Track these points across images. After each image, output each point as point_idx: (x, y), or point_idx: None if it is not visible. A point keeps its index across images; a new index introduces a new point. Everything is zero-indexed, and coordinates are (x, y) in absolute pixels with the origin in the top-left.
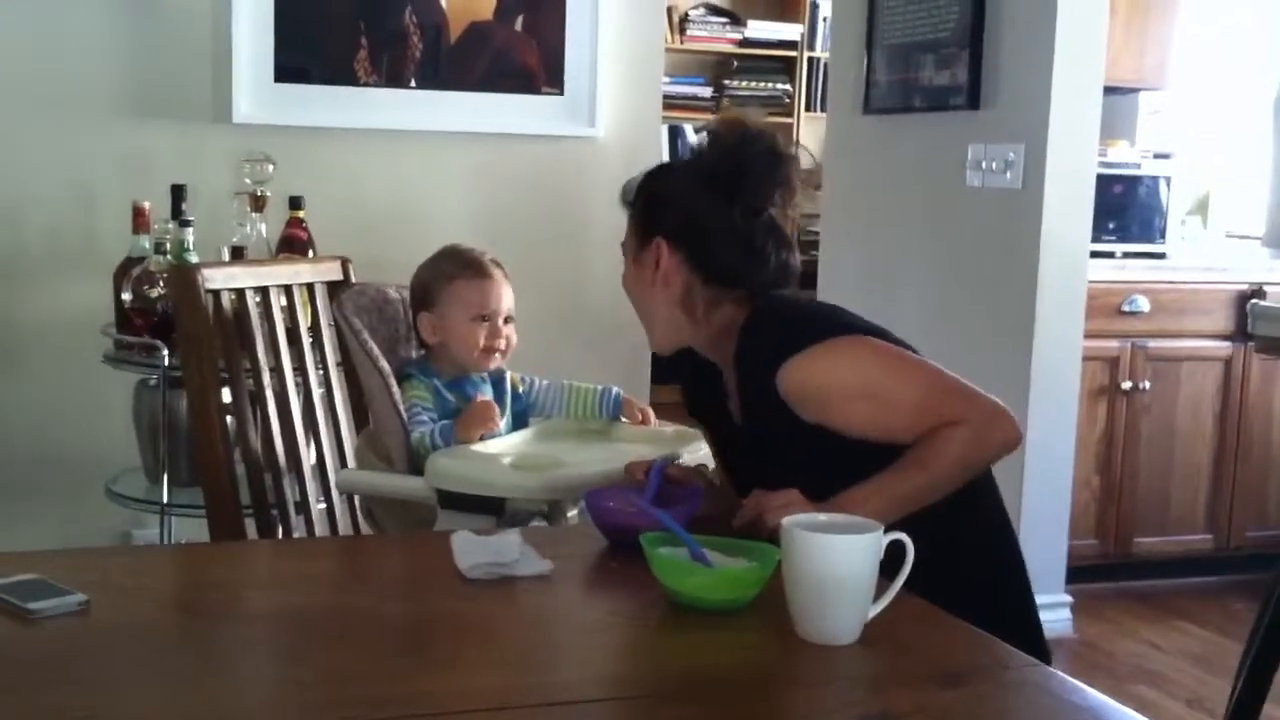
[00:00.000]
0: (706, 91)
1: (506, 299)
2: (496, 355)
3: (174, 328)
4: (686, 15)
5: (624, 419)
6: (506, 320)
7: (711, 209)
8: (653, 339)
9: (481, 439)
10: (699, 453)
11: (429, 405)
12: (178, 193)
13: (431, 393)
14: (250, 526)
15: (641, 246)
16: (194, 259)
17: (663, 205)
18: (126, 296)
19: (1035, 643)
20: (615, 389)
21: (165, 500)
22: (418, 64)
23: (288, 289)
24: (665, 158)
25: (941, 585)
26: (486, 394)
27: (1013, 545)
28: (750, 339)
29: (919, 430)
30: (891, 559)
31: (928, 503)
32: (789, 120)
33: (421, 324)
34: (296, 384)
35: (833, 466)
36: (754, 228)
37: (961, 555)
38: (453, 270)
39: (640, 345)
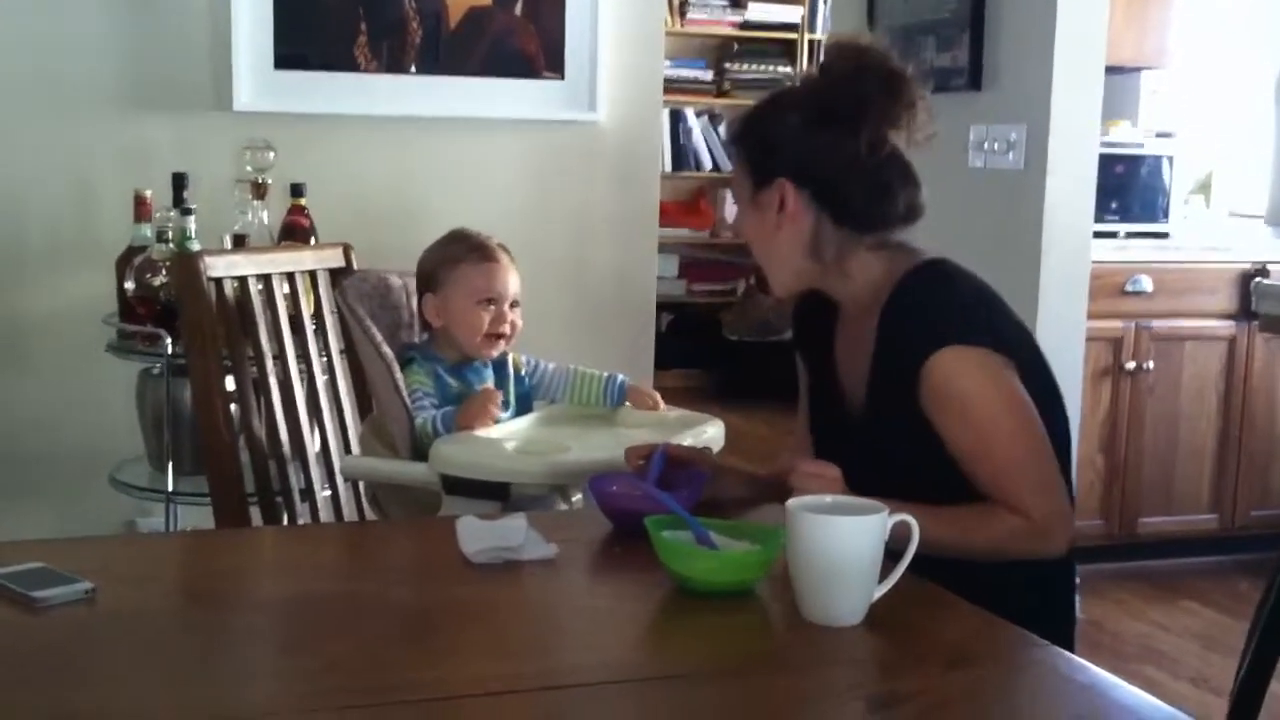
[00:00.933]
0: (707, 75)
1: (512, 284)
2: (500, 341)
3: (177, 316)
4: None
5: (630, 405)
6: (512, 305)
7: (834, 146)
8: (774, 282)
9: None
10: (703, 436)
11: (430, 391)
12: (179, 181)
13: (433, 378)
14: (255, 514)
15: (760, 187)
16: (196, 247)
17: (781, 144)
18: (129, 285)
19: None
20: (621, 377)
21: (170, 489)
22: (417, 50)
23: (290, 276)
24: (666, 142)
25: (986, 582)
26: (488, 379)
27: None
28: (915, 300)
29: (989, 489)
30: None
31: (945, 556)
32: None
33: (426, 306)
34: (300, 371)
35: (908, 457)
36: (880, 162)
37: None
38: (459, 253)
39: (643, 330)
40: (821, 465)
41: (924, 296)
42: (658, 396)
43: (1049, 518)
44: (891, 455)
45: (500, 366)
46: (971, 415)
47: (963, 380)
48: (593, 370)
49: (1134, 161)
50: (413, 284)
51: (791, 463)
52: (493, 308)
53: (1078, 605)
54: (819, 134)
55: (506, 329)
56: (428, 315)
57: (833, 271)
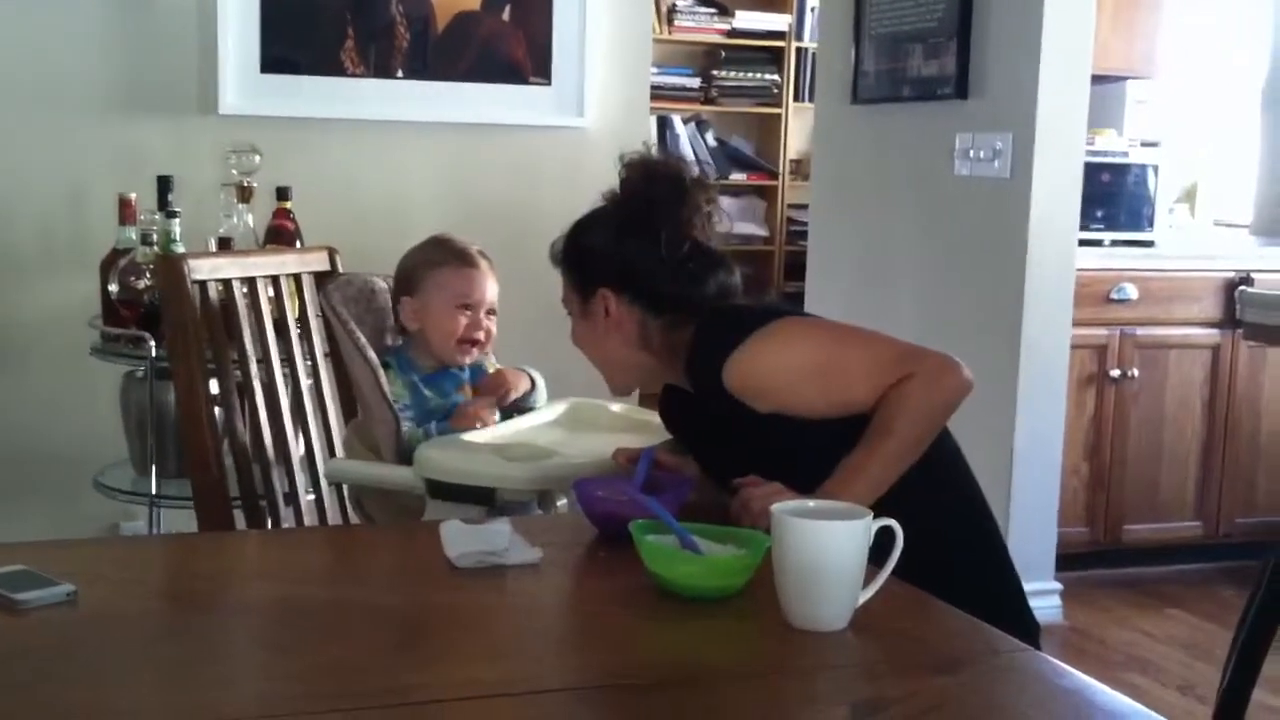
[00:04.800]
0: (695, 82)
1: (490, 290)
2: (474, 348)
3: (161, 319)
4: (674, 6)
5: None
6: (489, 313)
7: (638, 250)
8: (614, 384)
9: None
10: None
11: (408, 404)
12: (164, 184)
13: (409, 389)
14: (239, 518)
15: (586, 300)
16: (181, 250)
17: (593, 258)
18: (113, 288)
19: (1020, 617)
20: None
21: (154, 492)
22: (405, 54)
23: (275, 279)
24: (654, 147)
25: (919, 568)
26: (465, 385)
27: (983, 517)
28: (695, 349)
29: (875, 393)
30: (878, 546)
31: (909, 463)
32: (777, 111)
33: (403, 309)
34: (284, 375)
35: (808, 452)
36: (682, 257)
37: (933, 536)
38: (439, 257)
39: None
40: (765, 487)
41: (702, 331)
42: (503, 379)
43: (933, 362)
44: (770, 466)
45: (477, 374)
46: (789, 379)
47: (759, 369)
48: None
49: (1119, 170)
50: None
51: (740, 506)
52: (469, 313)
53: (1060, 612)
54: (624, 244)
55: (481, 335)
56: (404, 319)
57: (664, 358)
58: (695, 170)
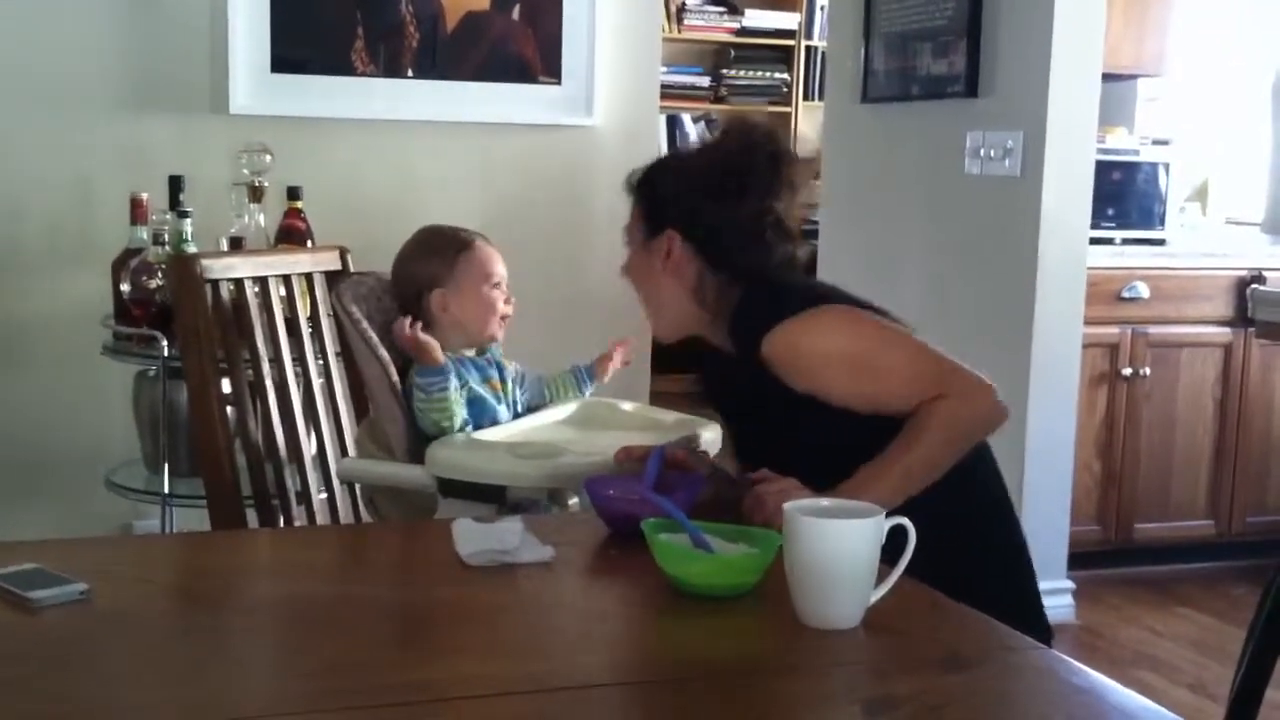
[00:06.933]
0: (704, 81)
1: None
2: (504, 322)
3: (173, 318)
4: (684, 4)
5: (601, 374)
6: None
7: (720, 206)
8: (658, 326)
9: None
10: (700, 440)
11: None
12: (176, 184)
13: (454, 362)
14: (251, 517)
15: (651, 235)
16: (192, 249)
17: (673, 199)
18: (125, 288)
19: (1036, 622)
20: (582, 364)
21: (166, 491)
22: (415, 54)
23: (286, 279)
24: (663, 147)
25: (940, 568)
26: (493, 377)
27: (1012, 523)
28: (741, 311)
29: (907, 402)
30: (891, 545)
31: (929, 480)
32: (787, 110)
33: (433, 302)
34: (296, 374)
35: (831, 441)
36: (761, 224)
37: (960, 536)
38: (458, 244)
39: (640, 335)
40: (779, 482)
41: (752, 295)
42: (617, 350)
43: (971, 385)
44: (792, 447)
45: (502, 368)
46: (828, 362)
47: (801, 344)
48: (560, 373)
49: (1130, 168)
50: None
51: (754, 502)
52: (500, 289)
53: (1072, 611)
54: (708, 196)
55: (510, 310)
56: (434, 310)
57: (712, 315)
58: (792, 146)
